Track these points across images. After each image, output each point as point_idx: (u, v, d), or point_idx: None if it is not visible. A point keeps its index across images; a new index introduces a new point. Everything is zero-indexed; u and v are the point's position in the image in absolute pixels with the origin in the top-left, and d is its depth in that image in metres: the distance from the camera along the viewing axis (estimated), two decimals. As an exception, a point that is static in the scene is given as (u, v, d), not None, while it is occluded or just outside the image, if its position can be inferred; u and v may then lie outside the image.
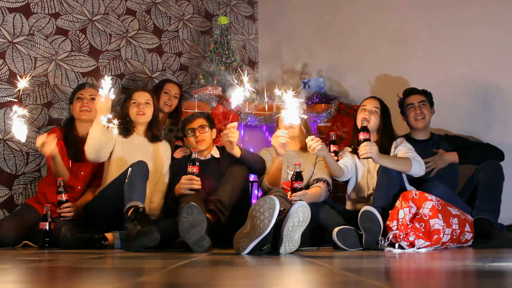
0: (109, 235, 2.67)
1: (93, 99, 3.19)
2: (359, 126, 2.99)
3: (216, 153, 3.11)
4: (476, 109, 3.56)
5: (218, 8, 4.70)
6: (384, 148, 3.01)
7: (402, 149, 2.96)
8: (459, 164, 3.23)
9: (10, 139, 3.55)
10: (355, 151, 3.00)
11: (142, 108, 3.06)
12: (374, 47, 4.08)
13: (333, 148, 3.15)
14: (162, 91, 3.64)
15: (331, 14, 4.39)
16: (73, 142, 3.14)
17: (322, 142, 2.76)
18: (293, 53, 4.54)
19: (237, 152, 2.86)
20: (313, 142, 2.73)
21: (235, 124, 2.82)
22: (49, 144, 2.80)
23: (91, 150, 2.82)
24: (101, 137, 2.79)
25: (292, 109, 2.62)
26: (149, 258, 1.91)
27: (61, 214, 2.88)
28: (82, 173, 3.13)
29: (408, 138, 3.28)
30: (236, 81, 3.31)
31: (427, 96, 3.34)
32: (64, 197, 2.89)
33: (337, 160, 3.04)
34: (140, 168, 2.66)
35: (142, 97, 3.09)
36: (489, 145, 3.22)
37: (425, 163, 3.13)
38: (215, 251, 2.34)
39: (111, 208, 2.70)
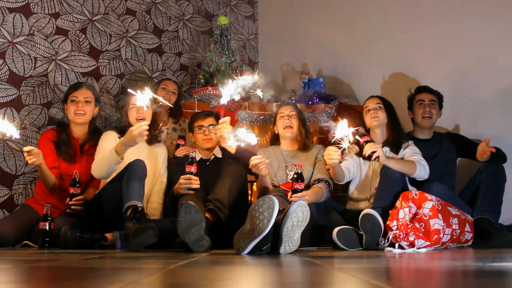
0: (109, 235, 2.67)
1: (87, 101, 3.17)
2: (368, 126, 3.04)
3: (218, 153, 3.12)
4: (478, 107, 3.56)
5: (218, 8, 4.70)
6: (396, 143, 3.01)
7: (408, 151, 2.96)
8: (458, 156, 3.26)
9: (9, 139, 3.55)
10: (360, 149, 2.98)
11: (141, 113, 3.07)
12: (375, 46, 4.08)
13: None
14: (159, 87, 3.71)
15: (331, 14, 4.39)
16: (66, 143, 3.12)
17: (339, 158, 2.74)
18: (293, 53, 4.54)
19: (231, 148, 2.85)
20: (334, 155, 2.71)
21: (228, 118, 2.76)
22: (36, 155, 2.79)
23: (97, 173, 2.87)
24: (111, 169, 2.81)
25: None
26: (149, 258, 1.91)
27: (71, 207, 2.90)
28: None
29: (410, 136, 3.28)
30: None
31: (439, 97, 3.36)
32: (77, 190, 2.92)
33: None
34: (137, 167, 2.66)
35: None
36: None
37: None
38: (215, 251, 2.34)
39: (110, 208, 2.70)
